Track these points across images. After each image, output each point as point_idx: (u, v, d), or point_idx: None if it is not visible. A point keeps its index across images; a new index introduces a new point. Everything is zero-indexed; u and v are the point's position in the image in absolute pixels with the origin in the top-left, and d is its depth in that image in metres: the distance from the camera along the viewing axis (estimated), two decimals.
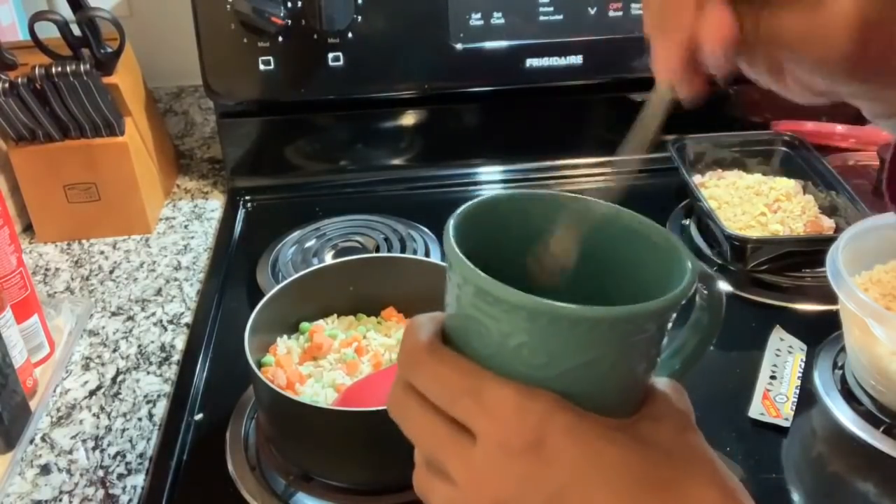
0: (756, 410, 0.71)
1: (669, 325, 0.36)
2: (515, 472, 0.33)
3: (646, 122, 0.38)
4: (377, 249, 0.93)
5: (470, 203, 0.39)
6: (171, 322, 0.86)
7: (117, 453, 0.70)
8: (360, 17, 1.00)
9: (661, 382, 0.38)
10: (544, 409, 0.33)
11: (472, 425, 0.34)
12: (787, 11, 0.33)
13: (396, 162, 1.14)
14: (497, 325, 0.34)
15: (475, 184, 1.11)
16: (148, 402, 0.75)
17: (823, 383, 0.74)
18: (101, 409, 0.75)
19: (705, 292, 0.41)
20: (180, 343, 0.83)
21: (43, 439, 0.72)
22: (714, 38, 0.33)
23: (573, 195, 0.40)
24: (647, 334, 0.35)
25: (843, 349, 0.76)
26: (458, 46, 1.04)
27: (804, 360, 0.76)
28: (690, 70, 0.35)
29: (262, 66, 1.02)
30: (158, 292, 0.91)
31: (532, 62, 1.04)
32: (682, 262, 0.37)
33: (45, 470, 0.69)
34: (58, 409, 0.75)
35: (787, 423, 0.70)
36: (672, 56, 0.34)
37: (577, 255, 0.40)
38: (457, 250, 0.35)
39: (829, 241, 0.73)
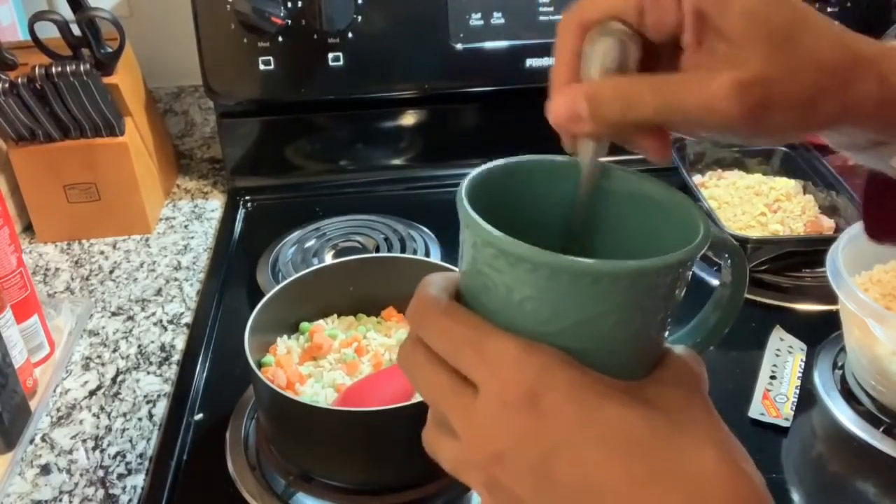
0: (756, 410, 0.71)
1: (679, 289, 0.36)
2: (513, 425, 0.33)
3: (587, 171, 0.39)
4: (377, 249, 0.93)
5: (483, 166, 0.39)
6: (171, 322, 0.86)
7: (117, 453, 0.70)
8: (360, 17, 1.00)
9: (677, 349, 0.38)
10: (544, 363, 0.33)
11: (473, 377, 0.34)
12: (672, 85, 0.34)
13: (396, 162, 1.14)
14: (502, 279, 0.34)
15: None
16: (148, 402, 0.75)
17: (823, 383, 0.74)
18: (101, 409, 0.75)
19: (729, 264, 0.41)
20: (180, 343, 0.83)
21: (43, 439, 0.72)
22: (553, 119, 0.36)
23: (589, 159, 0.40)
24: (653, 293, 0.34)
25: (843, 349, 0.76)
26: (458, 46, 1.04)
27: (804, 360, 0.76)
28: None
29: (262, 66, 1.02)
30: (158, 292, 0.91)
31: (532, 62, 1.04)
32: (695, 225, 0.36)
33: (45, 470, 0.69)
34: (58, 409, 0.75)
35: (787, 423, 0.70)
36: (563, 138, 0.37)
37: (592, 219, 0.40)
38: (467, 206, 0.35)
39: (829, 241, 0.73)
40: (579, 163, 0.39)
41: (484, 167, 0.39)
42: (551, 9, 1.02)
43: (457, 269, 0.38)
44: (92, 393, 0.77)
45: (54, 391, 0.77)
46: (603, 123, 0.35)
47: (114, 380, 0.78)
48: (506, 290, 0.34)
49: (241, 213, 1.07)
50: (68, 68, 0.88)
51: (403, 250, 0.92)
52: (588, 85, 0.35)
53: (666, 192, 0.39)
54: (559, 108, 0.35)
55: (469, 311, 0.36)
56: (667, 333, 0.37)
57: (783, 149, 1.03)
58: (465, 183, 0.37)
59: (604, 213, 0.40)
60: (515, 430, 0.33)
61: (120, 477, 0.68)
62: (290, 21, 0.99)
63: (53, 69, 0.88)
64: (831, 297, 0.71)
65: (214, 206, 1.08)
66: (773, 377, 0.74)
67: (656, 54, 0.36)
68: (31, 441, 0.71)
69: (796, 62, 0.33)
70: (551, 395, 0.32)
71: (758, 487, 0.33)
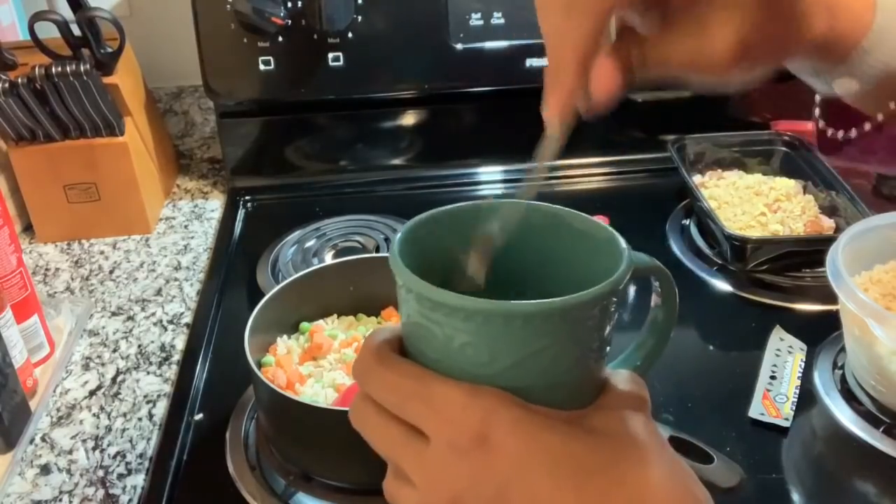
0: (756, 410, 0.71)
1: (609, 318, 0.37)
2: (465, 468, 0.34)
3: (541, 160, 0.40)
4: (377, 249, 0.93)
5: (413, 219, 0.41)
6: (171, 322, 0.86)
7: (117, 453, 0.70)
8: (360, 17, 1.00)
9: (619, 375, 0.39)
10: (489, 405, 0.34)
11: (423, 427, 0.35)
12: (675, 45, 0.39)
13: (396, 162, 1.14)
14: (440, 329, 0.35)
15: (475, 184, 1.11)
16: (148, 402, 0.75)
17: (823, 383, 0.74)
18: (101, 409, 0.75)
19: (659, 288, 0.42)
20: (180, 343, 0.83)
21: (43, 439, 0.72)
22: (602, 91, 0.38)
23: (513, 200, 0.42)
24: (585, 325, 0.36)
25: (843, 349, 0.76)
26: (458, 46, 1.04)
27: (804, 360, 0.76)
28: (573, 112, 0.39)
29: (262, 66, 1.02)
30: (158, 292, 0.91)
31: (532, 62, 1.04)
32: (619, 256, 0.38)
33: (45, 470, 0.69)
34: (58, 409, 0.75)
35: (787, 423, 0.70)
36: (560, 106, 0.38)
37: (522, 258, 0.42)
38: (399, 261, 0.37)
39: (829, 241, 0.73)
40: (497, 206, 0.41)
41: (411, 222, 0.41)
42: None
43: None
44: (92, 393, 0.77)
45: (54, 391, 0.77)
46: (629, 88, 0.39)
47: (114, 380, 0.78)
48: (444, 339, 0.35)
49: (241, 213, 1.07)
50: (68, 68, 0.88)
51: None
52: (619, 57, 0.38)
53: (588, 222, 0.41)
54: (612, 81, 0.38)
55: (409, 361, 0.37)
56: (605, 360, 0.39)
57: (783, 149, 1.03)
58: (395, 239, 0.39)
59: (532, 248, 0.42)
60: (468, 472, 0.34)
61: (120, 477, 0.68)
62: (290, 21, 0.99)
63: (53, 69, 0.88)
64: (831, 297, 0.71)
65: (214, 206, 1.08)
66: (773, 377, 0.74)
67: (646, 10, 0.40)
68: (31, 441, 0.71)
69: (775, 11, 0.38)
70: (498, 433, 0.33)
71: (702, 502, 0.35)
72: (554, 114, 0.38)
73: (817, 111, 0.51)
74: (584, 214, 0.41)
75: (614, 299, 0.37)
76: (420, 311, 0.36)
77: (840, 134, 0.49)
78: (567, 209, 0.41)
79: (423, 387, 0.35)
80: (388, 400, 0.36)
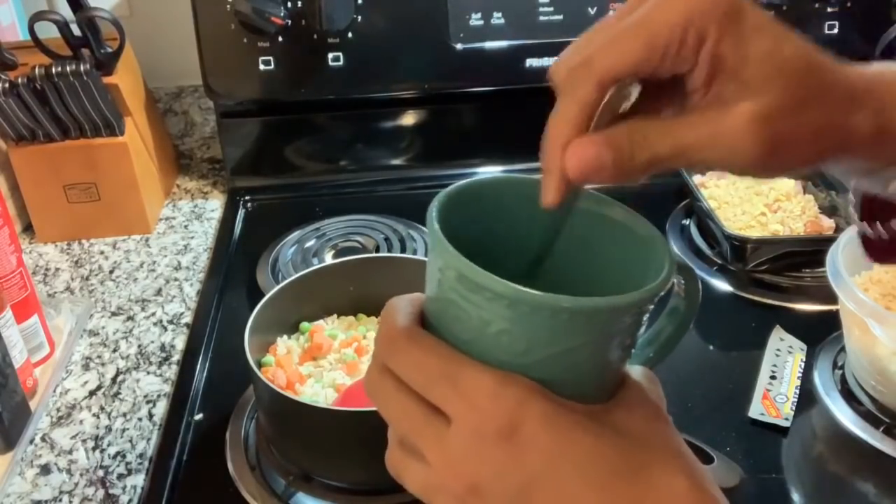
0: (756, 410, 0.71)
1: (646, 316, 0.37)
2: (490, 458, 0.33)
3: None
4: (377, 249, 0.93)
5: (454, 186, 0.39)
6: (171, 322, 0.86)
7: (117, 453, 0.70)
8: (360, 17, 1.00)
9: (635, 371, 0.39)
10: (520, 395, 0.33)
11: (447, 410, 0.34)
12: (688, 130, 0.34)
13: (396, 162, 1.14)
14: (478, 312, 0.34)
15: None
16: (148, 402, 0.75)
17: (823, 383, 0.74)
18: (101, 409, 0.75)
19: (683, 283, 0.42)
20: (180, 343, 0.83)
21: (43, 439, 0.72)
22: (574, 167, 0.35)
23: None
24: (625, 324, 0.35)
25: (843, 349, 0.76)
26: (458, 46, 1.04)
27: (804, 360, 0.76)
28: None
29: (262, 66, 1.02)
30: (158, 292, 0.91)
31: (532, 62, 1.04)
32: (660, 254, 0.37)
33: (45, 470, 0.69)
34: (58, 409, 0.75)
35: (787, 423, 0.70)
36: (552, 190, 0.36)
37: (559, 240, 0.40)
38: (440, 233, 0.35)
39: (829, 241, 0.73)
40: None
41: (454, 186, 0.39)
42: (551, 9, 1.02)
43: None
44: (92, 393, 0.77)
45: (54, 391, 0.77)
46: (626, 170, 0.35)
47: (114, 380, 0.78)
48: (480, 323, 0.34)
49: (241, 213, 1.07)
50: (68, 68, 0.88)
51: (403, 250, 0.92)
52: (609, 134, 0.35)
53: (631, 216, 0.40)
54: (583, 159, 0.34)
55: (439, 340, 0.36)
56: (627, 357, 0.38)
57: None
58: (434, 205, 0.37)
59: (573, 233, 0.41)
60: (494, 463, 0.33)
61: (120, 477, 0.68)
62: (290, 21, 0.99)
63: (53, 69, 0.88)
64: (831, 297, 0.71)
65: (214, 206, 1.08)
66: (773, 377, 0.74)
67: (653, 91, 0.36)
68: (31, 441, 0.71)
69: (806, 93, 0.34)
70: (528, 427, 0.33)
71: None
72: (551, 202, 0.36)
73: (854, 214, 0.45)
74: (627, 208, 0.40)
75: (654, 303, 0.36)
76: (457, 290, 0.34)
77: (883, 231, 0.44)
78: (610, 199, 0.40)
79: (452, 369, 0.34)
80: (413, 378, 0.35)
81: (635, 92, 0.36)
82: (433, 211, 0.37)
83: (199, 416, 0.74)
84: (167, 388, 0.77)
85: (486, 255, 0.36)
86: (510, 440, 0.33)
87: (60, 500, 0.66)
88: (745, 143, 0.33)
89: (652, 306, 0.36)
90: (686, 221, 0.98)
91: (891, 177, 0.39)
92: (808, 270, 0.87)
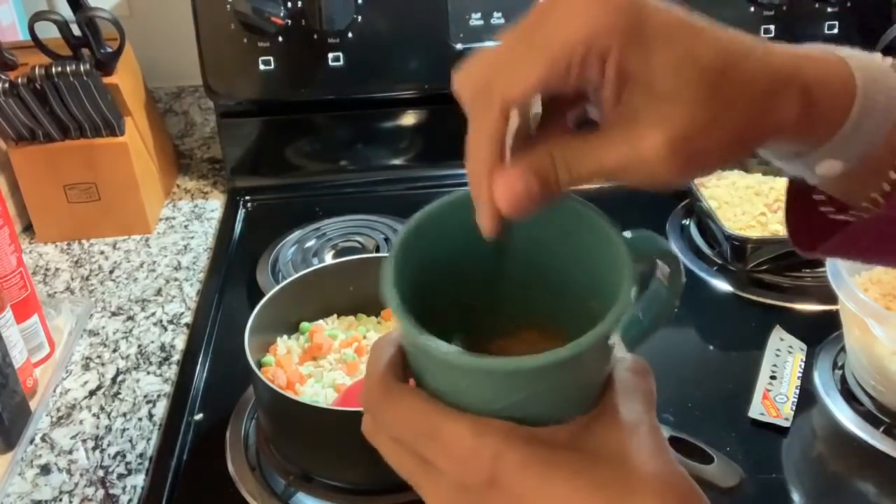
0: (756, 410, 0.71)
1: (613, 339, 0.36)
2: None
3: None
4: (377, 249, 0.93)
5: (414, 218, 0.39)
6: (171, 322, 0.86)
7: (117, 453, 0.70)
8: (360, 17, 1.00)
9: (623, 365, 0.38)
10: (496, 446, 0.34)
11: (434, 463, 0.35)
12: (604, 148, 0.33)
13: (396, 162, 1.14)
14: (439, 369, 0.35)
15: None
16: (148, 402, 0.75)
17: (823, 383, 0.74)
18: (101, 409, 0.75)
19: (667, 270, 0.40)
20: (180, 343, 0.83)
21: (43, 439, 0.72)
22: (506, 202, 0.34)
23: None
24: (588, 360, 0.35)
25: (843, 349, 0.76)
26: (458, 46, 1.04)
27: (804, 360, 0.76)
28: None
29: (262, 66, 1.02)
30: (158, 292, 0.91)
31: None
32: (621, 265, 0.36)
33: (45, 470, 0.69)
34: (58, 409, 0.75)
35: (787, 423, 0.70)
36: (488, 222, 0.35)
37: (526, 236, 0.39)
38: (394, 294, 0.36)
39: None
40: None
41: (407, 230, 0.38)
42: None
43: None
44: (92, 393, 0.77)
45: (54, 391, 0.77)
46: (552, 195, 0.34)
47: (114, 380, 0.78)
48: (446, 378, 0.35)
49: (241, 213, 1.07)
50: (68, 68, 0.88)
51: None
52: (532, 162, 0.34)
53: (595, 217, 0.38)
54: (513, 193, 0.34)
55: (416, 393, 0.36)
56: (610, 366, 0.37)
57: None
58: (390, 256, 0.37)
59: (540, 230, 0.39)
60: None
61: (120, 477, 0.68)
62: (290, 21, 0.99)
63: (53, 69, 0.88)
64: (831, 297, 0.71)
65: (214, 206, 1.08)
66: (773, 377, 0.74)
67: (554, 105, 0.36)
68: (31, 441, 0.71)
69: (724, 99, 0.32)
70: (507, 477, 0.33)
71: None
72: (490, 233, 0.35)
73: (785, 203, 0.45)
74: (591, 206, 0.38)
75: (621, 322, 0.35)
76: (415, 347, 0.35)
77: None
78: (576, 198, 0.38)
79: (430, 426, 0.35)
80: (398, 434, 0.36)
81: (538, 105, 0.36)
82: (388, 262, 0.37)
83: (199, 416, 0.74)
84: (167, 388, 0.77)
85: (462, 265, 0.36)
86: (491, 490, 0.34)
87: (60, 500, 0.66)
88: (663, 167, 0.32)
89: (618, 328, 0.35)
90: (686, 221, 0.98)
91: (818, 159, 0.37)
92: (808, 270, 0.87)
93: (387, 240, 0.95)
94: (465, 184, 0.37)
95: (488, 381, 0.34)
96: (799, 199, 0.44)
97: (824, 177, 0.38)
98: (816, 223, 0.43)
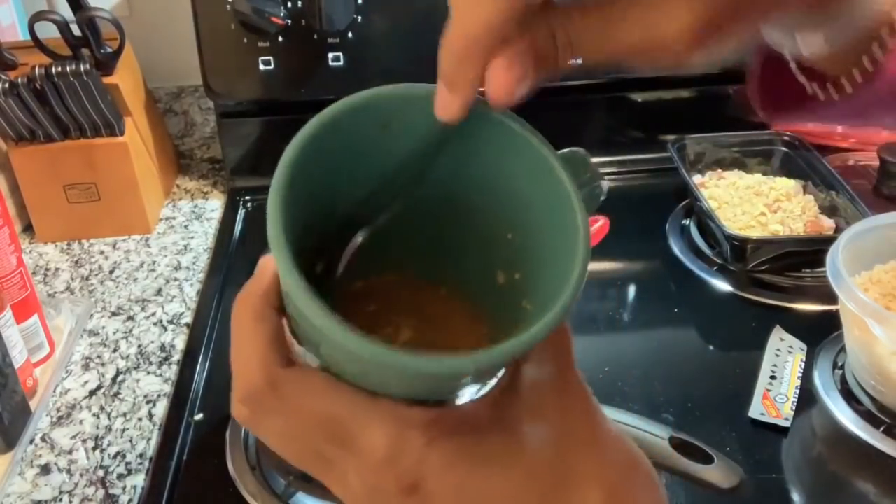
0: (756, 410, 0.71)
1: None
2: None
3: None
4: None
5: (300, 140, 0.33)
6: (171, 322, 0.86)
7: (117, 453, 0.70)
8: (360, 17, 1.00)
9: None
10: (418, 451, 0.29)
11: (341, 466, 0.31)
12: (615, 26, 0.29)
13: None
14: (337, 355, 0.29)
15: None
16: (148, 402, 0.75)
17: (823, 383, 0.74)
18: (101, 409, 0.75)
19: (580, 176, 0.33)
20: (180, 343, 0.83)
21: (43, 439, 0.72)
22: (498, 90, 0.30)
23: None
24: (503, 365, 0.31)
25: (843, 349, 0.76)
26: None
27: (804, 360, 0.76)
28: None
29: (262, 66, 1.02)
30: (158, 292, 0.91)
31: None
32: (572, 221, 0.30)
33: (45, 470, 0.69)
34: (58, 409, 0.75)
35: (787, 423, 0.70)
36: (457, 107, 0.31)
37: (448, 150, 0.34)
38: (283, 244, 0.28)
39: (829, 241, 0.73)
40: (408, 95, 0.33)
41: (298, 140, 0.33)
42: None
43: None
44: (92, 393, 0.77)
45: (54, 391, 0.77)
46: (548, 77, 0.30)
47: (114, 380, 0.78)
48: (349, 363, 0.29)
49: (241, 213, 1.07)
50: (68, 68, 0.88)
51: None
52: (532, 43, 0.29)
53: (533, 134, 0.32)
54: (509, 81, 0.30)
55: (314, 382, 0.30)
56: None
57: (783, 149, 1.03)
58: (276, 198, 0.30)
59: (463, 142, 0.33)
60: None
61: (120, 477, 0.68)
62: (290, 21, 0.99)
63: (53, 69, 0.88)
64: (831, 297, 0.71)
65: (214, 206, 1.08)
66: (773, 377, 0.74)
67: None
68: (31, 441, 0.71)
69: None
70: (430, 482, 0.30)
71: None
72: (454, 117, 0.31)
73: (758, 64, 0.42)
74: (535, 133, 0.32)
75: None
76: (303, 318, 0.28)
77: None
78: (516, 120, 0.32)
79: (337, 427, 0.30)
80: (293, 434, 0.31)
81: None
82: (276, 206, 0.30)
83: (199, 416, 0.74)
84: (167, 389, 0.77)
85: (362, 176, 0.31)
86: (414, 496, 0.30)
87: (60, 500, 0.66)
88: (685, 50, 0.29)
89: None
90: (686, 221, 0.98)
91: (806, 32, 0.35)
92: (808, 270, 0.87)
93: None
94: None
95: (412, 377, 0.29)
96: (771, 64, 0.41)
97: (811, 50, 0.36)
98: (787, 90, 0.41)
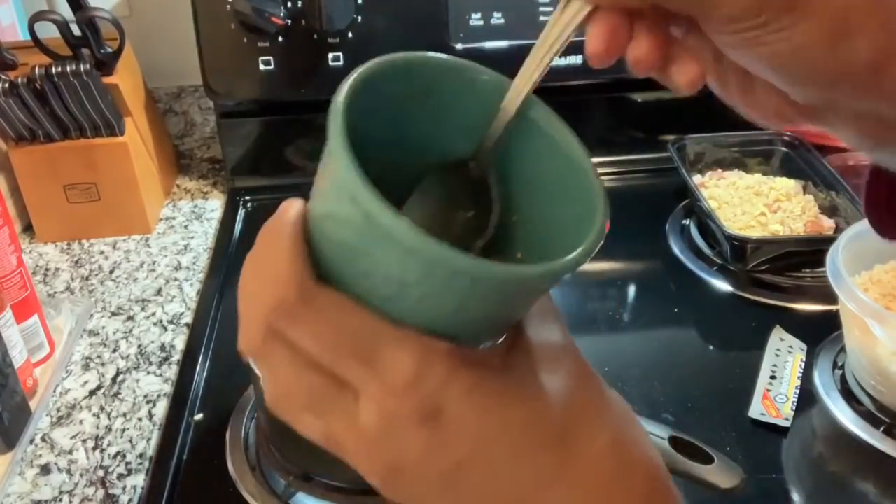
0: (756, 410, 0.71)
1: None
2: (412, 441, 0.30)
3: (549, 43, 0.34)
4: None
5: (377, 61, 0.33)
6: (171, 322, 0.86)
7: (117, 453, 0.70)
8: (360, 17, 1.00)
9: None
10: (443, 375, 0.30)
11: (357, 387, 0.30)
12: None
13: None
14: (386, 261, 0.29)
15: None
16: (148, 402, 0.75)
17: (823, 383, 0.74)
18: (101, 409, 0.75)
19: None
20: (180, 343, 0.83)
21: (43, 439, 0.72)
22: (685, 82, 0.35)
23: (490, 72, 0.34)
24: (556, 280, 0.32)
25: (843, 349, 0.76)
26: (458, 46, 1.04)
27: (804, 360, 0.76)
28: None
29: (262, 66, 1.02)
30: (158, 292, 0.91)
31: None
32: (593, 201, 0.32)
33: (45, 470, 0.69)
34: (58, 409, 0.75)
35: (787, 423, 0.70)
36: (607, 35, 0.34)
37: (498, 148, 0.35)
38: (342, 144, 0.28)
39: (829, 241, 0.73)
40: (503, 85, 0.35)
41: (375, 62, 0.32)
42: (551, 9, 1.02)
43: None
44: (92, 393, 0.77)
45: (54, 391, 0.77)
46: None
47: (114, 380, 0.78)
48: (389, 275, 0.29)
49: (241, 213, 1.07)
50: (68, 68, 0.88)
51: None
52: None
53: (579, 151, 0.35)
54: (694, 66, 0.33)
55: (344, 301, 0.30)
56: None
57: (783, 149, 1.03)
58: (339, 102, 0.30)
59: (511, 146, 0.35)
60: (416, 446, 0.31)
61: (120, 477, 0.68)
62: (290, 21, 0.99)
63: (53, 69, 0.88)
64: (831, 297, 0.71)
65: (214, 206, 1.08)
66: (773, 377, 0.74)
67: None
68: (31, 441, 0.71)
69: None
70: (453, 409, 0.30)
71: (653, 470, 0.34)
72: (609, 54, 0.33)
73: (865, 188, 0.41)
74: (574, 138, 0.35)
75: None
76: (367, 242, 0.28)
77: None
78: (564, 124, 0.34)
79: (363, 345, 0.30)
80: (314, 352, 0.30)
81: None
82: (338, 106, 0.30)
83: (199, 416, 0.74)
84: (167, 388, 0.77)
85: (403, 151, 0.31)
86: (433, 424, 0.30)
87: (60, 500, 0.66)
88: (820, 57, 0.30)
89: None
90: (686, 221, 0.98)
91: None
92: (808, 270, 0.87)
93: None
94: None
95: (460, 286, 0.28)
96: (880, 181, 0.41)
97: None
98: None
